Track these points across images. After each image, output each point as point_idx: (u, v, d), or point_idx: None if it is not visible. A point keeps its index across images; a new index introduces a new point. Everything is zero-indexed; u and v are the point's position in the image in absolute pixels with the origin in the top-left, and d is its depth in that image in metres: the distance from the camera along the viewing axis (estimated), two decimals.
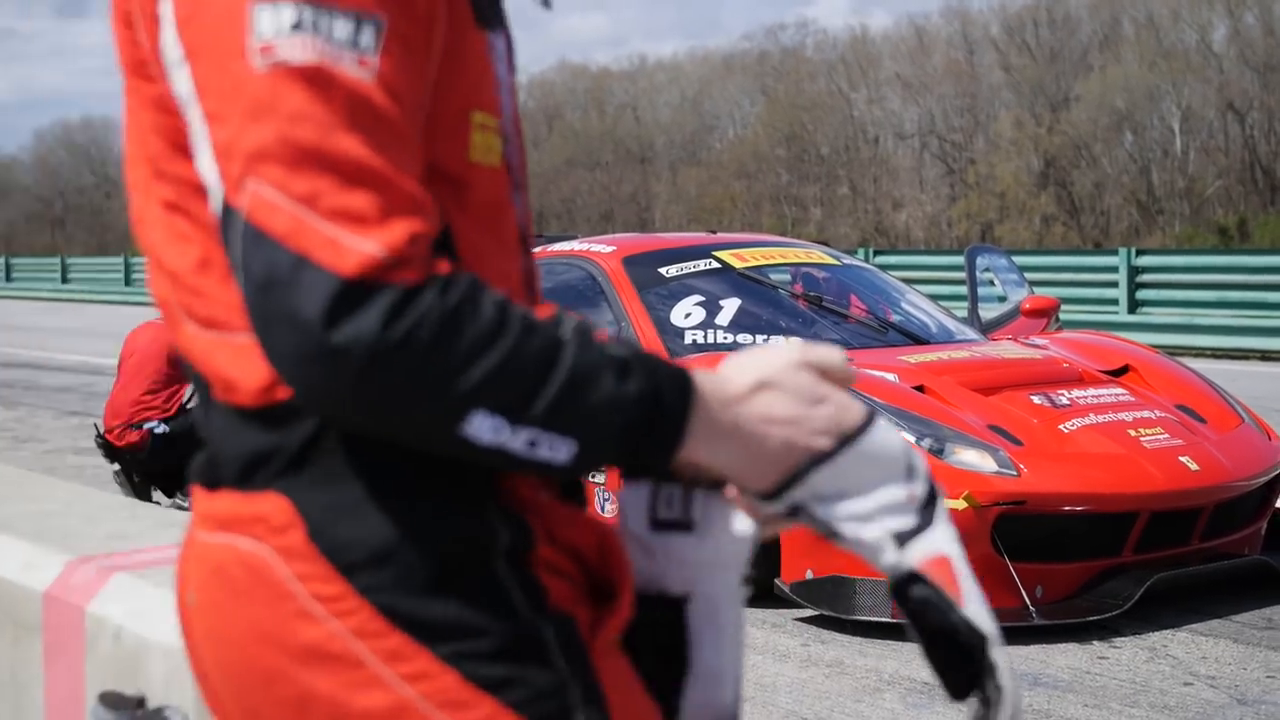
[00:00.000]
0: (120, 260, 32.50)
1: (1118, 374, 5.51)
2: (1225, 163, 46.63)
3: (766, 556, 4.74)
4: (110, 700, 1.72)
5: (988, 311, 6.58)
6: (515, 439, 1.01)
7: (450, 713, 1.04)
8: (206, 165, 1.02)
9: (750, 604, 4.64)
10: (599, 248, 6.22)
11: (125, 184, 1.18)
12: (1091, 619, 4.49)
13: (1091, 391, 5.17)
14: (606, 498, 5.46)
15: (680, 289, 5.91)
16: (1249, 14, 47.31)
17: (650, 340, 5.64)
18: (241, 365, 1.06)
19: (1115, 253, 15.71)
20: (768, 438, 1.07)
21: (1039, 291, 17.53)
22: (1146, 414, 5.06)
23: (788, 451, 1.08)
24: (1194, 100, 46.80)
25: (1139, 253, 15.46)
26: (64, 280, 33.66)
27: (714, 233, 6.89)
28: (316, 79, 0.99)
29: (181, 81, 1.05)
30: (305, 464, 1.06)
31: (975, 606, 1.08)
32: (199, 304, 1.09)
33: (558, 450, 1.02)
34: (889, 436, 1.10)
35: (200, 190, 1.07)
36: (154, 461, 6.58)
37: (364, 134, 0.99)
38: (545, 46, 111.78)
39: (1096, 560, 4.67)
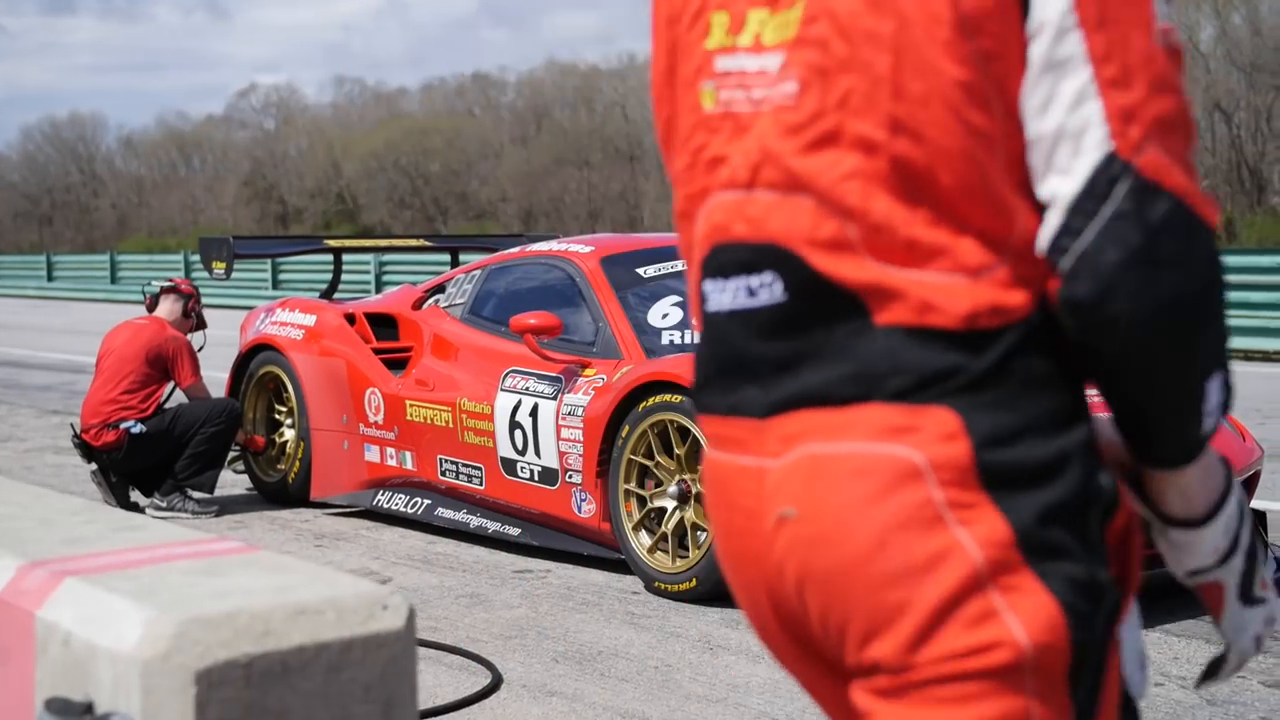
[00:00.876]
0: (106, 258, 32.44)
1: None
2: (1212, 162, 46.74)
3: None
4: (57, 706, 1.71)
5: None
6: (1211, 400, 1.21)
7: (1032, 631, 1.17)
8: (1083, 121, 1.18)
9: (724, 604, 4.62)
10: (577, 248, 6.22)
11: (809, 136, 1.26)
12: None
13: None
14: (584, 498, 5.46)
15: (658, 289, 5.90)
16: (1236, 14, 47.42)
17: (628, 341, 5.63)
18: (950, 295, 1.20)
19: None
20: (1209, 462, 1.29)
21: None
22: None
23: (1217, 478, 1.29)
24: None
25: None
26: (49, 278, 33.57)
27: None
28: (1180, 62, 1.20)
29: (1067, 45, 1.18)
30: (983, 387, 1.19)
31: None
32: (902, 249, 1.22)
33: (1208, 424, 1.22)
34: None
35: (981, 142, 1.20)
36: (130, 461, 6.57)
37: None
38: (534, 45, 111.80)
39: None
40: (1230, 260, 15.33)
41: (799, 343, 1.25)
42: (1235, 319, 14.45)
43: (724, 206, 1.31)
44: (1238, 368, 13.28)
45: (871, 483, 1.19)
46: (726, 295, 1.30)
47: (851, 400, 1.22)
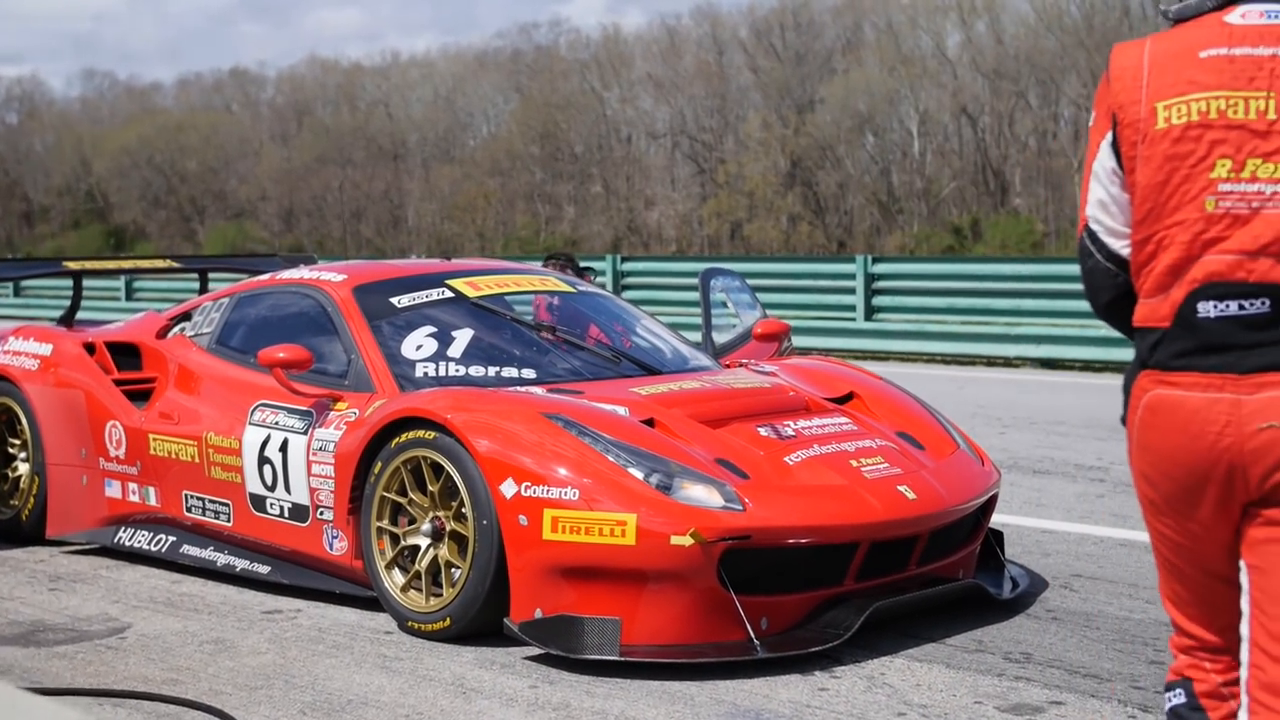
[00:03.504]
0: None
1: (843, 401, 5.65)
2: (959, 165, 48.67)
3: (497, 596, 4.70)
4: None
5: (721, 335, 6.68)
6: None
7: None
8: None
9: (478, 643, 4.55)
10: (329, 276, 6.07)
11: None
12: (814, 649, 4.59)
13: (816, 421, 5.29)
14: (335, 535, 5.34)
15: (414, 319, 5.80)
16: (980, 23, 49.46)
17: (381, 373, 5.52)
18: None
19: (853, 260, 16.19)
20: None
21: (784, 298, 17.89)
22: (867, 443, 5.20)
23: None
24: (930, 104, 48.69)
25: (875, 260, 15.96)
26: None
27: (449, 259, 6.79)
28: None
29: None
30: None
31: None
32: None
33: None
34: None
35: None
36: None
37: None
38: (295, 40, 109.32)
39: (820, 590, 4.77)
40: (971, 269, 15.87)
41: (1272, 334, 2.28)
42: (976, 326, 15.04)
43: (1225, 261, 2.30)
44: (980, 374, 13.73)
45: None
46: (1218, 308, 2.28)
47: None
